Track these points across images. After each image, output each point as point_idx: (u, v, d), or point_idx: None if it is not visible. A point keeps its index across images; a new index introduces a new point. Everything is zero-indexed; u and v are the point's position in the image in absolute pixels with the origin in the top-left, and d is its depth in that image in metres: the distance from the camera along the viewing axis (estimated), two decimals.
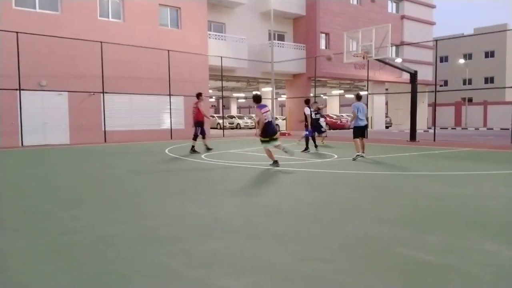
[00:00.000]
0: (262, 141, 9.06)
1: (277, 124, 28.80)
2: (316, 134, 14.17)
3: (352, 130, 10.91)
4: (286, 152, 9.16)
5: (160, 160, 10.87)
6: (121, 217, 4.69)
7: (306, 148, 12.72)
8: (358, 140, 10.63)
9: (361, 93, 11.59)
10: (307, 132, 12.96)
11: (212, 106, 53.84)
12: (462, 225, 4.25)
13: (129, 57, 19.16)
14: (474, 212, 4.84)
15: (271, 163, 8.97)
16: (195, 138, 12.66)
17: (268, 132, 8.92)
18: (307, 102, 13.25)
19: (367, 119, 11.13)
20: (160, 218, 4.66)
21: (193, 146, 12.51)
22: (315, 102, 15.28)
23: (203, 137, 12.84)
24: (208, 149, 12.95)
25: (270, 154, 9.05)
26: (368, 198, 5.77)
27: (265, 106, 9.05)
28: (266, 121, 8.86)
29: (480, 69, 52.37)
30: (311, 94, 26.99)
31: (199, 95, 12.67)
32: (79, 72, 17.79)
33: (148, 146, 15.79)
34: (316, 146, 13.41)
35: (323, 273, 2.98)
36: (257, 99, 9.19)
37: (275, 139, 9.03)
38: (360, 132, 10.76)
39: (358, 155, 10.48)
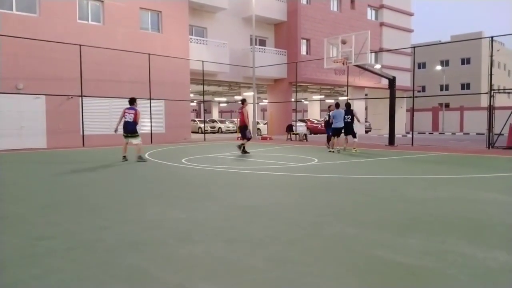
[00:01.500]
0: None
1: (256, 129, 28.86)
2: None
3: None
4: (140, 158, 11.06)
5: (140, 164, 10.75)
6: (100, 222, 4.62)
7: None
8: (335, 138, 14.26)
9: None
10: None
11: (193, 110, 53.61)
12: (439, 228, 4.33)
13: (109, 61, 18.94)
14: (451, 215, 4.94)
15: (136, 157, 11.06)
16: (248, 139, 13.49)
17: (123, 129, 10.99)
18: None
19: (346, 122, 14.23)
20: (139, 222, 4.60)
21: (243, 147, 13.29)
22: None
23: (243, 139, 13.63)
24: (243, 150, 13.29)
25: (124, 147, 11.12)
26: (347, 201, 5.83)
27: (132, 109, 10.97)
28: (125, 120, 10.90)
29: (457, 75, 53.69)
30: (292, 99, 27.16)
31: (243, 101, 13.55)
32: (57, 75, 17.47)
33: (128, 150, 15.55)
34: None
35: (303, 277, 2.99)
36: (131, 101, 11.17)
37: (128, 137, 10.98)
38: (336, 131, 14.18)
39: (337, 149, 14.15)
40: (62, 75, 17.58)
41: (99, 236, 4.07)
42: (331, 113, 14.56)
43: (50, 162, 11.65)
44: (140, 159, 11.08)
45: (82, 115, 18.14)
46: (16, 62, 16.39)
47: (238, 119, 14.00)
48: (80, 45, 17.49)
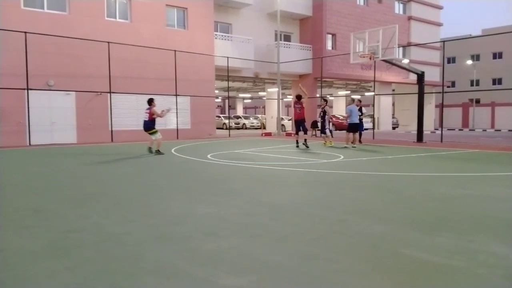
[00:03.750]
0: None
1: (280, 125, 28.76)
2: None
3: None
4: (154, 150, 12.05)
5: (166, 160, 10.91)
6: (128, 216, 4.72)
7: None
8: (351, 134, 14.56)
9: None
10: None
11: (218, 106, 53.94)
12: (468, 227, 4.23)
13: (136, 57, 19.26)
14: (481, 214, 4.81)
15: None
16: (305, 132, 14.27)
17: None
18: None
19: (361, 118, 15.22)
20: (166, 217, 4.68)
21: (298, 141, 14.23)
22: (359, 101, 16.87)
23: (305, 133, 14.29)
24: (306, 146, 13.95)
25: (150, 141, 12.27)
26: (374, 198, 5.76)
27: (148, 109, 11.89)
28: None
29: (488, 70, 51.99)
30: (317, 95, 26.94)
31: (300, 97, 14.29)
32: (87, 72, 17.91)
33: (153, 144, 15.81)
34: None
35: (328, 273, 2.98)
36: (148, 102, 12.07)
37: (151, 133, 12.08)
38: (353, 128, 14.52)
39: (346, 146, 14.30)
40: (91, 72, 18.01)
41: (127, 229, 4.16)
42: (346, 108, 14.94)
43: (80, 157, 11.96)
44: (158, 152, 11.99)
45: (111, 111, 18.55)
46: (46, 59, 16.88)
47: (294, 113, 14.42)
48: (108, 42, 17.85)
